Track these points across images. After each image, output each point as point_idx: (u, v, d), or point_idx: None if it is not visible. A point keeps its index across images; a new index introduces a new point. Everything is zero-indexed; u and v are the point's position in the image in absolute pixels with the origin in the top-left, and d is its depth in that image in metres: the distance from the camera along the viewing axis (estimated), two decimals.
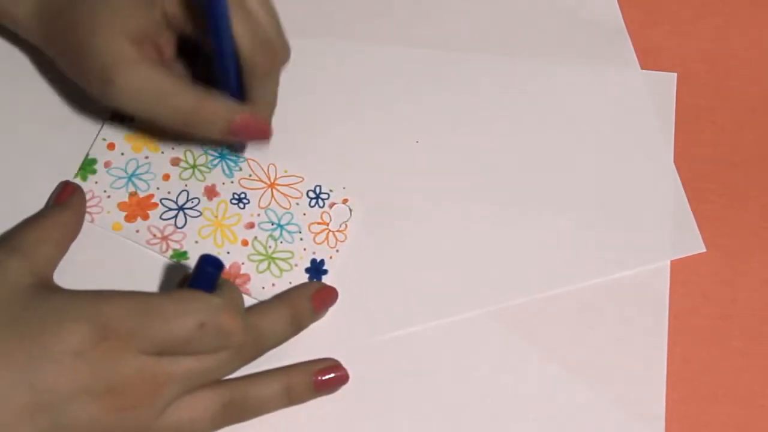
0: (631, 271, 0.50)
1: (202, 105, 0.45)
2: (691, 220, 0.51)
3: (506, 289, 0.49)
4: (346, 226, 0.50)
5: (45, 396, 0.39)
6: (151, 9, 0.45)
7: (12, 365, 0.38)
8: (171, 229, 0.49)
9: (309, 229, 0.49)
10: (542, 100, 0.54)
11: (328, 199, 0.50)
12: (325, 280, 0.48)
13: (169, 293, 0.42)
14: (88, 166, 0.49)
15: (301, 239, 0.49)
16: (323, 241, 0.49)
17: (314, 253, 0.49)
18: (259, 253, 0.49)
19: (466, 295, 0.49)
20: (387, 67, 0.54)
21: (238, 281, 0.48)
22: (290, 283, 0.48)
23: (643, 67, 0.55)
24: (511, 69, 0.54)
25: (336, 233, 0.49)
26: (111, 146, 0.50)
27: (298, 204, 0.50)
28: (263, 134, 0.47)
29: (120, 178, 0.49)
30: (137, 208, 0.49)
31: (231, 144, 0.51)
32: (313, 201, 0.50)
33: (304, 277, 0.48)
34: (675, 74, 0.55)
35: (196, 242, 0.48)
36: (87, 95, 0.47)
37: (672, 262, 0.50)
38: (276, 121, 0.51)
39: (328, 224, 0.50)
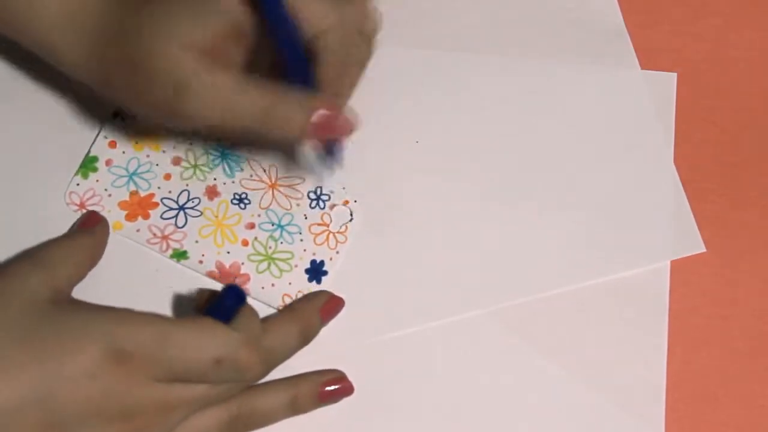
0: (631, 271, 0.50)
1: (276, 102, 0.42)
2: (691, 220, 0.51)
3: (506, 289, 0.49)
4: (347, 227, 0.50)
5: (56, 416, 0.38)
6: (215, 19, 0.42)
7: (25, 381, 0.38)
8: (171, 228, 0.49)
9: (309, 230, 0.49)
10: (542, 100, 0.54)
11: (328, 200, 0.50)
12: (325, 281, 0.48)
13: (189, 322, 0.41)
14: (89, 164, 0.49)
15: (302, 240, 0.49)
16: (323, 243, 0.49)
17: (314, 254, 0.49)
18: (259, 254, 0.49)
19: (466, 295, 0.49)
20: (387, 67, 0.54)
21: (237, 281, 0.48)
22: (290, 283, 0.48)
23: (643, 67, 0.55)
24: (511, 69, 0.54)
25: (336, 234, 0.49)
26: (112, 144, 0.50)
27: (298, 205, 0.50)
28: (346, 127, 0.43)
29: (121, 176, 0.49)
30: (138, 207, 0.49)
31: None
32: (314, 202, 0.50)
33: (304, 278, 0.48)
34: (675, 74, 0.55)
35: (197, 242, 0.48)
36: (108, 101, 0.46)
37: (672, 262, 0.50)
38: None
39: (328, 225, 0.50)
